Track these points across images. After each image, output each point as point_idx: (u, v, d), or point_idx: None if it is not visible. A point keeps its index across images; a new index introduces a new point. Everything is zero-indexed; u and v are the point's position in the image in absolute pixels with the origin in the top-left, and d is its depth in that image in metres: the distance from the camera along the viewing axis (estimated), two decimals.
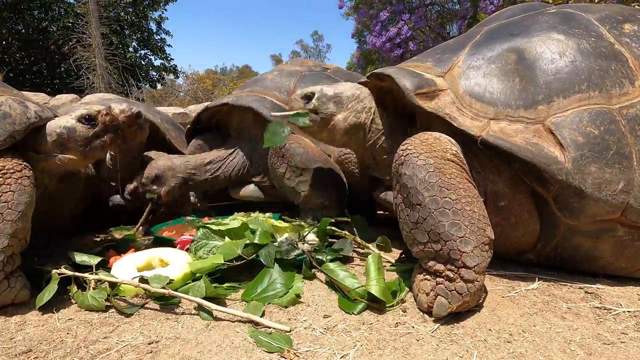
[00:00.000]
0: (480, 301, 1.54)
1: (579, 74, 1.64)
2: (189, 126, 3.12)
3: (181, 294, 1.55)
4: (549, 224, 1.68)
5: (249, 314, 1.46)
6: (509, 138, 1.59)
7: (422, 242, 1.45)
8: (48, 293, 1.55)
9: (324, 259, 1.82)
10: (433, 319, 1.43)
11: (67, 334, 1.39)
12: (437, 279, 1.42)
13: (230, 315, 1.47)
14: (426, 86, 1.77)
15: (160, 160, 2.63)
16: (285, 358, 1.23)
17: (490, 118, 1.66)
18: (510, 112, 1.65)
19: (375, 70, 2.02)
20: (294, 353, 1.24)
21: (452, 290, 1.38)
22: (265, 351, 1.25)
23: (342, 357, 1.22)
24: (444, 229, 1.38)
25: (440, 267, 1.42)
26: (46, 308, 1.56)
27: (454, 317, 1.43)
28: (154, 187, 2.56)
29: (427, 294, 1.43)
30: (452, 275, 1.39)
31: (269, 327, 1.38)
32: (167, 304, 1.58)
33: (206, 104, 3.36)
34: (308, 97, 2.01)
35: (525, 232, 1.74)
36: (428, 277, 1.46)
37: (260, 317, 1.44)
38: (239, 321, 1.45)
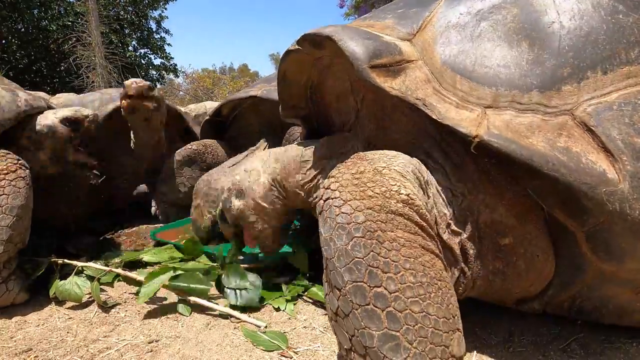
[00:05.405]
0: None
1: (624, 33, 1.06)
2: (207, 118, 3.02)
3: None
4: (570, 266, 1.13)
5: (227, 308, 1.48)
6: (522, 140, 0.99)
7: (344, 347, 0.89)
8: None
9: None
10: None
11: (67, 333, 1.40)
12: None
13: (209, 309, 1.51)
14: (386, 54, 1.14)
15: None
16: (285, 357, 1.23)
17: (486, 105, 1.07)
18: (518, 96, 1.06)
19: (310, 31, 1.31)
20: (294, 351, 1.25)
21: None
22: (264, 350, 1.26)
23: None
24: (373, 343, 0.82)
25: None
26: (46, 306, 1.57)
27: None
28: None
29: None
30: None
31: (246, 322, 1.41)
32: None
33: (206, 102, 3.33)
34: (222, 218, 1.66)
35: (535, 279, 1.17)
36: None
37: (242, 313, 1.47)
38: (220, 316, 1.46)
